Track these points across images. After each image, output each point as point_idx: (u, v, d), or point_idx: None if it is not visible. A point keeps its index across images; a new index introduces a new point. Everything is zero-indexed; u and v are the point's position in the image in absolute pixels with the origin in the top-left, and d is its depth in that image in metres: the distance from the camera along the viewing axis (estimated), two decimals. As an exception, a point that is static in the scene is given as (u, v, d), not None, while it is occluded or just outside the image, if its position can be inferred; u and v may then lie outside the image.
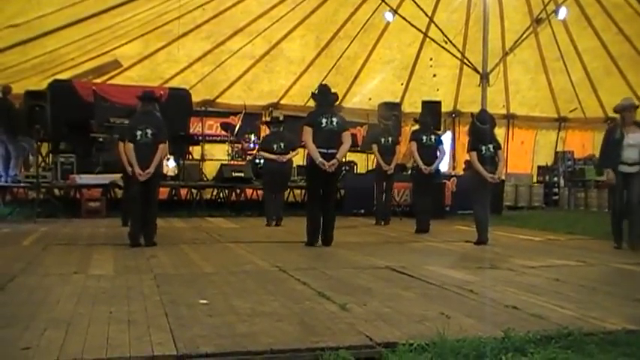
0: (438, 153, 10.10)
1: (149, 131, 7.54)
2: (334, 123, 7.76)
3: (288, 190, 12.94)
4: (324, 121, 7.72)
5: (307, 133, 7.76)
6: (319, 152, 7.62)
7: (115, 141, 9.90)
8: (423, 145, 9.95)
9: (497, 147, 8.43)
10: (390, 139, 11.02)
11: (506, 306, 4.46)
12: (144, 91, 8.39)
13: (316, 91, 8.18)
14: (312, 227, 7.91)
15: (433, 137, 10.16)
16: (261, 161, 12.69)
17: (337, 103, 8.33)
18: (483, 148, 8.29)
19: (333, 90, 8.21)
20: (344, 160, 11.25)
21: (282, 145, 10.50)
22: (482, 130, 8.44)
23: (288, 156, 10.65)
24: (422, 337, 3.51)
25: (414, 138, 10.15)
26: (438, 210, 12.10)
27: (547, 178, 17.85)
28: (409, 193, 12.81)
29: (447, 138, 16.96)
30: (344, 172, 12.51)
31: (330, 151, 7.66)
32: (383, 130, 11.41)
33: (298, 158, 12.90)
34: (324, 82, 8.41)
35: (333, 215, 8.03)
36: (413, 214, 11.50)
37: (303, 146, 14.39)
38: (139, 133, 7.54)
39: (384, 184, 11.21)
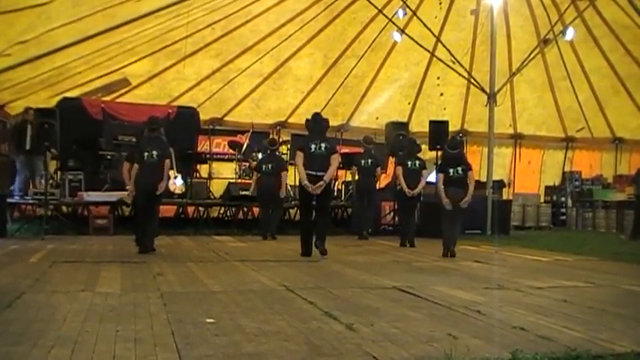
0: (421, 177, 11.06)
1: (155, 152, 8.69)
2: (322, 148, 8.62)
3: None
4: (312, 146, 8.60)
5: (298, 157, 8.72)
6: (310, 174, 8.49)
7: (122, 159, 10.05)
8: (408, 170, 10.90)
9: (467, 169, 9.24)
10: (369, 161, 12.05)
11: (513, 327, 4.43)
12: (150, 118, 9.40)
13: (310, 120, 9.02)
14: (303, 239, 8.84)
15: (417, 162, 11.04)
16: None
17: (328, 129, 9.23)
18: (451, 170, 9.16)
19: (324, 117, 9.13)
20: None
21: (269, 166, 11.67)
22: (451, 155, 9.45)
23: (283, 177, 11.65)
24: (429, 358, 3.50)
25: (399, 163, 11.17)
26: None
27: (554, 198, 17.80)
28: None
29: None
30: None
31: (319, 173, 8.50)
32: (364, 153, 12.35)
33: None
34: (316, 111, 9.55)
35: (324, 227, 8.93)
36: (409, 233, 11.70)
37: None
38: (145, 154, 8.68)
39: (364, 201, 12.25)
